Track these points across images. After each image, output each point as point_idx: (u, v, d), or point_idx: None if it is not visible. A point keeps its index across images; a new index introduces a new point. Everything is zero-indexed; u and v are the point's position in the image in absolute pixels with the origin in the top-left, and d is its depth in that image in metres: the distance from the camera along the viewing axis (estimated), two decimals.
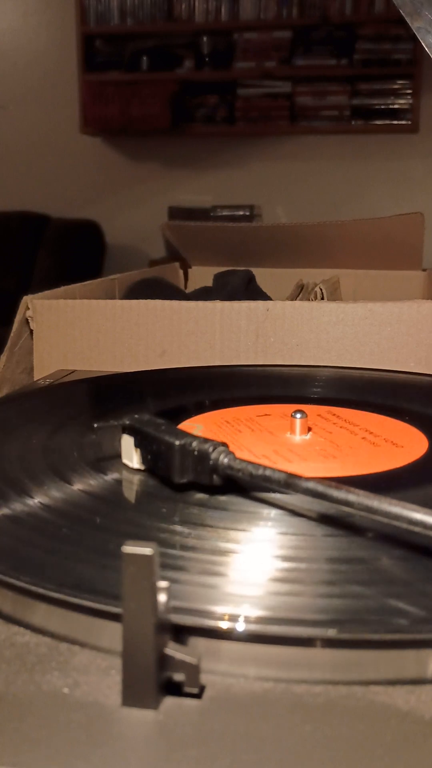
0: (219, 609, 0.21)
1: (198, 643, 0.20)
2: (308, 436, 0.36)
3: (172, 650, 0.19)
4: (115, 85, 2.72)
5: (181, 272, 1.08)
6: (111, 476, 0.31)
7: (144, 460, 0.30)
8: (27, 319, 0.60)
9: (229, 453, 0.27)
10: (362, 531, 0.25)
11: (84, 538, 0.25)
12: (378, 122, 2.62)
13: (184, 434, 0.29)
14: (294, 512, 0.27)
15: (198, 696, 0.19)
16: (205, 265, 1.06)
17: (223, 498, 0.28)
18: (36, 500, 0.28)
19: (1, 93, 2.86)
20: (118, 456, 0.32)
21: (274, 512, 0.27)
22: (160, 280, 0.87)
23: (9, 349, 0.59)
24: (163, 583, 0.19)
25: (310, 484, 0.25)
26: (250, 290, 0.82)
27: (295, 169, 2.71)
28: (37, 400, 0.46)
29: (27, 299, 0.60)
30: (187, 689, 0.19)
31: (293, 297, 0.85)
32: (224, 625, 0.20)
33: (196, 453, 0.28)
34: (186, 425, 0.37)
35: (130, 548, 0.18)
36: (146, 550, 0.18)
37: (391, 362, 0.56)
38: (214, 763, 0.17)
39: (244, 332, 0.58)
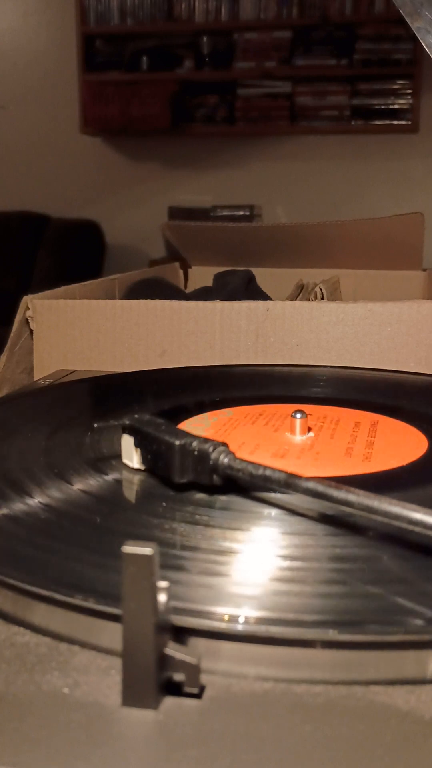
0: (219, 609, 0.21)
1: (198, 643, 0.20)
2: (308, 436, 0.36)
3: (172, 650, 0.19)
4: (115, 85, 2.72)
5: (181, 272, 1.08)
6: (111, 476, 0.31)
7: (144, 459, 0.30)
8: (27, 319, 0.60)
9: (229, 453, 0.27)
10: (362, 531, 0.25)
11: (84, 538, 0.25)
12: (378, 122, 2.62)
13: (184, 434, 0.29)
14: (294, 512, 0.27)
15: (198, 696, 0.19)
16: (205, 265, 1.06)
17: (223, 498, 0.28)
18: (36, 500, 0.28)
19: (1, 93, 2.86)
20: (118, 456, 0.32)
21: (274, 512, 0.27)
22: (160, 280, 0.87)
23: (9, 349, 0.59)
24: (163, 583, 0.19)
25: (310, 484, 0.25)
26: (250, 290, 0.82)
27: (295, 169, 2.71)
28: (37, 400, 0.46)
29: (27, 299, 0.60)
30: (187, 689, 0.19)
31: (293, 297, 0.85)
32: (224, 625, 0.20)
33: (196, 453, 0.28)
34: (195, 421, 0.37)
35: (130, 548, 0.18)
36: (146, 550, 0.18)
37: (391, 362, 0.56)
38: (214, 763, 0.17)
39: (244, 332, 0.58)
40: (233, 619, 0.20)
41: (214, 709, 0.19)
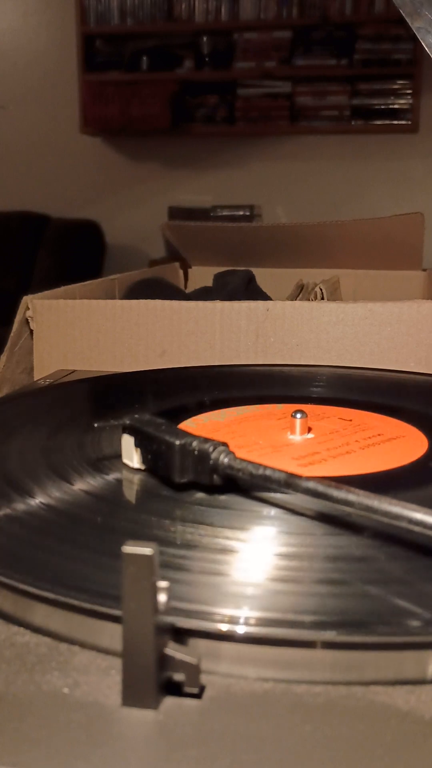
0: (219, 610, 0.21)
1: (198, 643, 0.20)
2: (308, 436, 0.36)
3: (172, 650, 0.19)
4: (115, 85, 2.72)
5: (181, 272, 1.08)
6: (111, 476, 0.31)
7: (144, 459, 0.30)
8: (27, 319, 0.60)
9: (230, 453, 0.27)
10: (362, 531, 0.25)
11: (84, 538, 0.25)
12: (378, 122, 2.62)
13: (185, 434, 0.29)
14: (294, 512, 0.27)
15: (198, 696, 0.19)
16: (205, 265, 1.06)
17: (223, 498, 0.28)
18: (36, 500, 0.28)
19: (1, 93, 2.86)
20: (119, 456, 0.32)
21: (274, 512, 0.27)
22: (160, 280, 0.87)
23: (9, 349, 0.59)
24: (163, 583, 0.19)
25: (310, 484, 0.25)
26: (250, 290, 0.82)
27: (295, 169, 2.71)
28: (37, 400, 0.46)
29: (27, 299, 0.60)
30: (187, 689, 0.19)
31: (293, 297, 0.85)
32: (224, 626, 0.20)
33: (196, 453, 0.28)
34: (195, 420, 0.37)
35: (130, 548, 0.18)
36: (146, 550, 0.18)
37: (391, 362, 0.56)
38: (214, 763, 0.17)
39: (244, 332, 0.58)
40: (233, 619, 0.20)
41: (214, 709, 0.19)
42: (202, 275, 1.02)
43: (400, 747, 0.17)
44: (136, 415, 0.31)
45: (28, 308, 0.60)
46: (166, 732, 0.18)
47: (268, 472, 0.26)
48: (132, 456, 0.31)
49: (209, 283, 0.85)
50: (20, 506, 0.28)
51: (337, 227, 0.95)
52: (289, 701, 0.19)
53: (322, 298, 0.74)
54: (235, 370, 0.54)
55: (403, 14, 0.40)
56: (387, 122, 2.60)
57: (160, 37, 2.70)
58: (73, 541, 0.25)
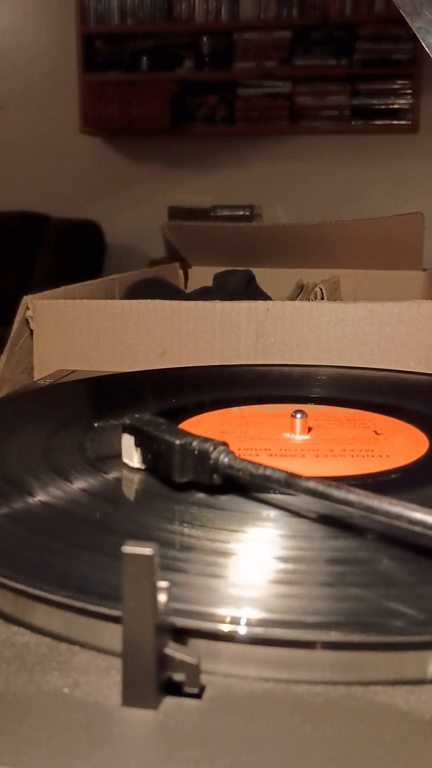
0: (219, 611, 0.21)
1: (198, 643, 0.20)
2: (308, 436, 0.36)
3: (172, 650, 0.19)
4: (115, 85, 2.72)
5: (181, 272, 1.08)
6: (111, 476, 0.31)
7: (144, 459, 0.30)
8: (27, 319, 0.60)
9: (230, 452, 0.27)
10: (363, 532, 0.25)
11: (84, 538, 0.25)
12: (378, 122, 2.62)
13: (185, 434, 0.29)
14: (294, 512, 0.27)
15: (198, 696, 0.19)
16: (205, 265, 1.06)
17: (223, 498, 0.28)
18: (36, 500, 0.28)
19: (1, 93, 2.86)
20: (119, 455, 0.32)
21: (274, 512, 0.27)
22: (160, 280, 0.87)
23: (9, 349, 0.59)
24: (163, 583, 0.19)
25: (310, 484, 0.25)
26: (250, 290, 0.82)
27: (295, 169, 2.71)
28: (37, 400, 0.46)
29: (27, 299, 0.60)
30: (187, 689, 0.19)
31: (293, 297, 0.85)
32: (224, 627, 0.20)
33: (196, 452, 0.28)
34: (195, 421, 0.37)
35: (130, 548, 0.18)
36: (146, 550, 0.18)
37: (391, 362, 0.56)
38: (214, 763, 0.17)
39: (244, 332, 0.58)
40: (234, 619, 0.20)
41: (214, 709, 0.19)
42: (202, 275, 1.02)
43: (400, 747, 0.17)
44: (136, 415, 0.31)
45: (28, 308, 0.60)
46: (166, 732, 0.18)
47: (268, 472, 0.26)
48: (132, 456, 0.31)
49: (209, 283, 0.85)
50: (20, 506, 0.28)
51: (337, 227, 0.95)
52: (289, 701, 0.19)
53: (322, 298, 0.74)
54: (235, 370, 0.54)
55: (403, 14, 0.40)
56: (387, 122, 2.61)
57: (160, 37, 2.70)
58: (73, 541, 0.25)
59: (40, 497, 0.28)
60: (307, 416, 0.36)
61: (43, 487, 0.29)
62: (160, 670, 0.19)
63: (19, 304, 0.60)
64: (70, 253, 2.63)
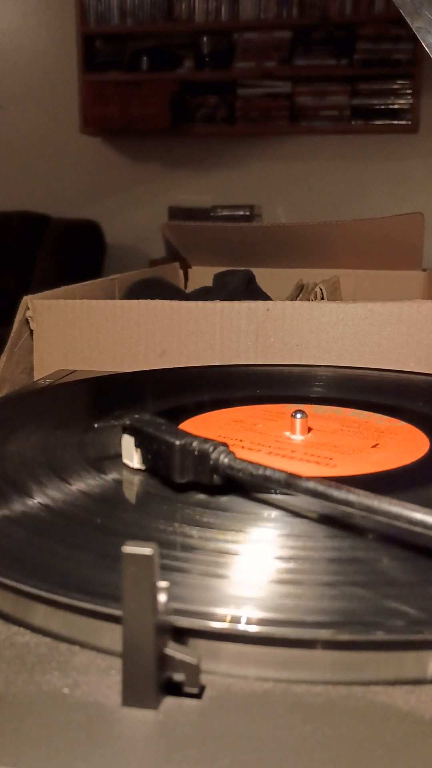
0: (219, 610, 0.21)
1: (198, 643, 0.20)
2: (308, 436, 0.36)
3: (172, 650, 0.19)
4: (115, 85, 2.72)
5: (181, 272, 1.08)
6: (111, 476, 0.31)
7: (144, 460, 0.30)
8: (27, 319, 0.60)
9: (230, 453, 0.27)
10: (363, 532, 0.25)
11: (84, 538, 0.25)
12: (378, 122, 2.62)
13: (185, 434, 0.29)
14: (294, 512, 0.27)
15: (198, 696, 0.19)
16: (205, 265, 1.06)
17: (223, 498, 0.28)
18: (36, 500, 0.28)
19: (1, 93, 2.86)
20: (119, 456, 0.32)
21: (274, 513, 0.27)
22: (160, 280, 0.87)
23: (9, 349, 0.59)
24: (163, 583, 0.19)
25: (311, 484, 0.25)
26: (250, 290, 0.82)
27: (295, 169, 2.71)
28: (37, 400, 0.46)
29: (27, 299, 0.60)
30: (187, 689, 0.19)
31: (293, 297, 0.85)
32: (224, 626, 0.20)
33: (196, 453, 0.28)
34: (195, 421, 0.37)
35: (130, 548, 0.18)
36: (146, 550, 0.18)
37: (391, 362, 0.56)
38: (214, 763, 0.17)
39: (244, 332, 0.58)
40: (234, 619, 0.20)
41: (214, 709, 0.19)
42: (202, 275, 1.02)
43: (400, 747, 0.17)
44: (136, 415, 0.31)
45: (28, 308, 0.60)
46: (166, 732, 0.18)
47: (268, 473, 0.26)
48: (132, 456, 0.31)
49: (209, 283, 0.85)
50: (20, 506, 0.28)
51: (337, 227, 0.95)
52: (289, 701, 0.19)
53: (322, 298, 0.74)
54: (235, 370, 0.54)
55: (403, 14, 0.40)
56: (387, 122, 2.61)
57: (160, 37, 2.70)
58: (73, 541, 0.25)
59: (40, 498, 0.28)
60: (307, 416, 0.35)
61: (43, 487, 0.29)
62: (160, 670, 0.19)
63: (19, 304, 0.60)
64: (70, 253, 2.63)
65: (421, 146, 2.60)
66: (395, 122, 2.60)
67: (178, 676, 0.19)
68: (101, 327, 0.59)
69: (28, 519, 0.27)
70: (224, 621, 0.20)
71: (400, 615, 0.20)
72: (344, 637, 0.20)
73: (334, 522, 0.26)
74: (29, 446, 0.35)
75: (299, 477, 0.25)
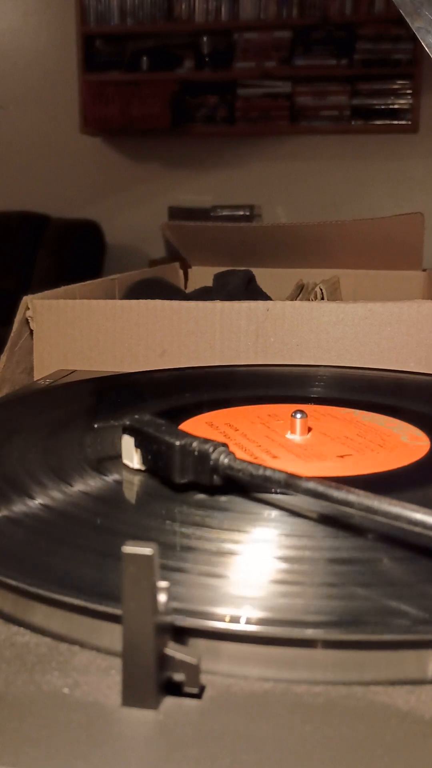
0: (219, 610, 0.21)
1: (198, 643, 0.20)
2: (308, 436, 0.36)
3: (172, 650, 0.19)
4: (115, 85, 2.72)
5: (181, 272, 1.08)
6: (111, 477, 0.31)
7: (144, 460, 0.30)
8: (27, 319, 0.60)
9: (230, 453, 0.27)
10: (363, 532, 0.25)
11: (84, 538, 0.25)
12: (378, 122, 2.62)
13: (185, 434, 0.29)
14: (294, 513, 0.27)
15: (198, 696, 0.19)
16: (205, 265, 1.06)
17: (223, 498, 0.28)
18: (36, 501, 0.28)
19: (1, 93, 2.86)
20: (119, 456, 0.32)
21: (274, 513, 0.27)
22: (160, 280, 0.87)
23: (9, 349, 0.59)
24: (163, 583, 0.19)
25: (311, 484, 0.25)
26: (250, 290, 0.82)
27: (295, 169, 2.71)
28: (37, 400, 0.46)
29: (27, 299, 0.60)
30: (187, 689, 0.19)
31: (293, 297, 0.85)
32: (224, 626, 0.20)
33: (196, 453, 0.28)
34: (195, 421, 0.37)
35: (130, 548, 0.18)
36: (146, 550, 0.18)
37: (391, 362, 0.56)
38: (214, 763, 0.17)
39: (244, 332, 0.58)
40: (234, 619, 0.20)
41: (214, 709, 0.19)
42: (202, 275, 1.02)
43: (400, 747, 0.17)
44: (136, 416, 0.31)
45: (28, 308, 0.60)
46: (166, 732, 0.18)
47: (268, 473, 0.26)
48: (132, 457, 0.31)
49: (209, 283, 0.85)
50: (20, 507, 0.28)
51: (337, 227, 0.95)
52: (289, 701, 0.19)
53: (322, 298, 0.74)
54: (235, 370, 0.54)
55: (403, 14, 0.40)
56: (387, 122, 2.61)
57: (160, 37, 2.70)
58: (73, 541, 0.25)
59: (40, 498, 0.28)
60: (307, 416, 0.36)
61: (43, 487, 0.29)
62: (160, 670, 0.19)
63: (19, 304, 0.60)
64: (70, 253, 2.63)
65: (421, 146, 2.60)
66: (395, 122, 2.60)
67: (178, 676, 0.19)
68: (101, 327, 0.59)
69: (28, 519, 0.27)
70: (224, 621, 0.20)
71: (400, 615, 0.20)
72: (344, 637, 0.20)
73: (334, 522, 0.26)
74: (29, 446, 0.35)
75: (299, 477, 0.25)
